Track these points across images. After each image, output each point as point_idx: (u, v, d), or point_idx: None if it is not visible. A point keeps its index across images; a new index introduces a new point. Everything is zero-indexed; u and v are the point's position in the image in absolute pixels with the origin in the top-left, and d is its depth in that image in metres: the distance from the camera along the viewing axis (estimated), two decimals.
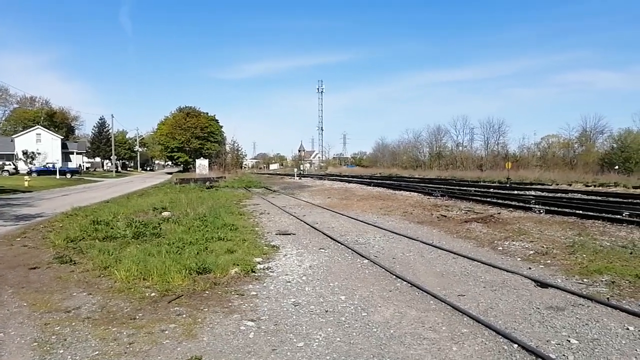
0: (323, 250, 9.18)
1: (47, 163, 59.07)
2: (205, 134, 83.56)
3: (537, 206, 15.34)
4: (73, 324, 4.93)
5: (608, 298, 5.78)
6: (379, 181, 37.88)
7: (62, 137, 78.03)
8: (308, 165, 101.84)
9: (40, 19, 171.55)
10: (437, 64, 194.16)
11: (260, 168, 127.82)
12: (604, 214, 12.99)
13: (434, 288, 6.31)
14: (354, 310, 5.46)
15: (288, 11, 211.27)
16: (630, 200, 18.33)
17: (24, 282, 6.67)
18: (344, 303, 5.74)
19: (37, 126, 74.76)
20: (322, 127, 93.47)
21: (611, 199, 19.04)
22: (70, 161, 74.80)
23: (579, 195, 20.90)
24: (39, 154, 61.88)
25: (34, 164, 58.28)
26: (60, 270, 7.40)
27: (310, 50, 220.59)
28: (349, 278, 7.00)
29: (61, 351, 4.22)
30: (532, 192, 23.11)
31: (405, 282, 6.66)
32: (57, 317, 5.17)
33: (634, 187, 27.35)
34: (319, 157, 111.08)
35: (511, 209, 15.70)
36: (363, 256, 8.48)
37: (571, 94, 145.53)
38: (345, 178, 47.60)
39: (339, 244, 9.79)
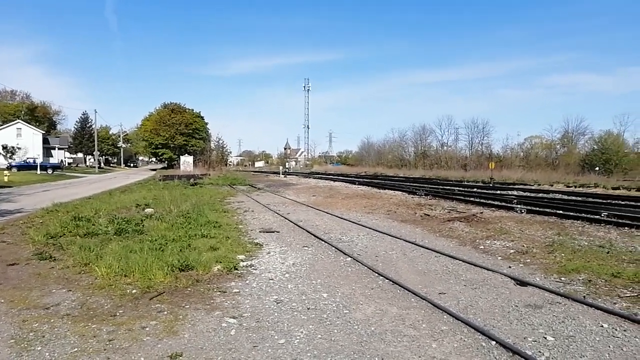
0: (306, 248, 9.20)
1: (27, 158, 57.99)
2: (190, 131, 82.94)
3: (519, 206, 15.56)
4: (52, 320, 4.87)
5: (584, 296, 5.90)
6: (364, 180, 38.03)
7: (44, 132, 76.71)
8: (294, 163, 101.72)
9: (23, 11, 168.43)
10: (424, 64, 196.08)
11: (246, 165, 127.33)
12: (583, 214, 13.24)
13: (415, 286, 6.37)
14: (335, 307, 5.49)
15: (275, 9, 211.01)
16: (608, 201, 18.74)
17: (2, 279, 6.57)
18: (326, 300, 5.77)
19: (18, 120, 73.35)
20: (308, 125, 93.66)
21: (590, 199, 19.42)
22: (52, 156, 73.69)
23: (559, 196, 21.25)
24: (19, 148, 60.89)
25: (14, 159, 57.23)
26: (40, 266, 7.30)
27: (298, 48, 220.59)
28: (332, 276, 7.03)
29: (39, 348, 4.17)
30: (515, 192, 23.45)
31: (387, 280, 6.72)
32: (36, 313, 5.10)
33: (613, 188, 27.92)
34: (304, 155, 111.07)
35: (494, 208, 15.91)
36: (346, 254, 8.52)
37: (556, 96, 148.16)
38: (331, 176, 47.72)
39: (323, 242, 9.82)
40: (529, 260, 8.12)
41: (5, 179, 31.78)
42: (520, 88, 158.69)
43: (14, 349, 4.15)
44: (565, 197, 20.74)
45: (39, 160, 55.67)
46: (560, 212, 14.01)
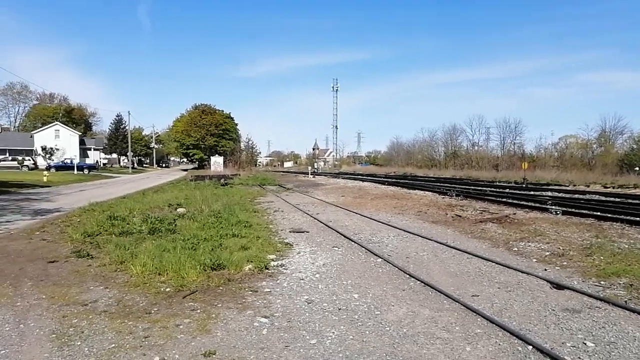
0: (336, 249, 9.19)
1: (65, 159, 60.10)
2: (221, 132, 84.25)
3: (553, 207, 15.14)
4: (90, 317, 5.01)
5: (626, 301, 5.69)
6: (393, 180, 37.75)
7: (80, 134, 79.20)
8: (322, 163, 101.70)
9: (58, 15, 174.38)
10: (453, 63, 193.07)
11: (275, 166, 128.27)
12: (622, 216, 12.78)
13: (447, 288, 6.28)
14: (367, 308, 5.46)
15: (303, 9, 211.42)
16: None
17: (43, 275, 6.80)
18: (357, 301, 5.74)
19: (56, 122, 76.01)
20: (336, 126, 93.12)
21: (630, 200, 18.69)
22: (88, 157, 75.98)
23: (597, 197, 20.57)
24: (57, 149, 63.08)
25: (53, 160, 59.37)
26: (78, 264, 7.53)
27: (326, 48, 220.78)
28: (362, 276, 7.00)
29: (78, 343, 4.30)
30: (549, 193, 22.81)
31: (418, 282, 6.64)
32: (75, 310, 5.26)
33: None
34: (333, 156, 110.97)
35: (527, 209, 15.53)
36: (376, 255, 8.46)
37: (590, 94, 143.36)
38: (359, 177, 47.54)
39: (353, 243, 9.79)
40: (565, 263, 7.89)
41: (45, 179, 32.94)
42: (553, 86, 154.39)
43: (55, 344, 4.29)
44: (603, 198, 20.07)
45: (76, 161, 57.58)
46: (598, 213, 13.54)
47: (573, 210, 14.65)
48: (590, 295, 5.91)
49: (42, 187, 28.54)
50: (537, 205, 16.21)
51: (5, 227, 11.39)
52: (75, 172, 49.83)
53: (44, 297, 5.75)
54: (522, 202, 17.52)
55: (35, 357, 4.00)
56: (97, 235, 9.86)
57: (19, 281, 6.48)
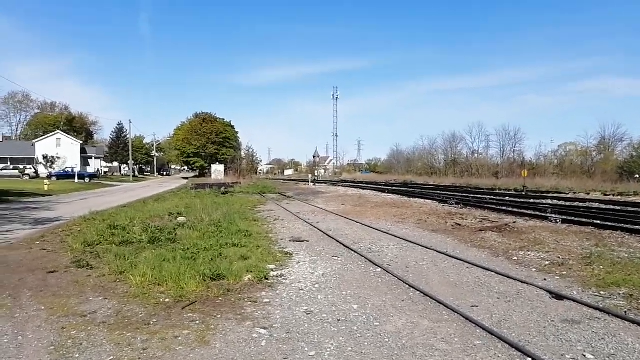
0: (336, 258, 9.19)
1: (66, 167, 60.25)
2: (221, 140, 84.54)
3: (553, 215, 15.13)
4: (89, 328, 5.01)
5: (626, 312, 5.67)
6: (393, 188, 37.76)
7: (81, 142, 79.54)
8: (322, 171, 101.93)
9: (58, 24, 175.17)
10: (453, 71, 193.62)
11: (275, 174, 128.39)
12: (622, 224, 12.77)
13: (447, 298, 6.27)
14: (366, 319, 5.45)
15: (304, 18, 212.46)
16: None
17: (42, 286, 6.80)
18: (357, 312, 5.74)
19: (57, 131, 76.37)
20: (336, 134, 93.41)
21: (630, 208, 18.66)
22: (89, 165, 76.21)
23: (597, 205, 20.55)
24: (58, 158, 63.21)
25: (54, 168, 59.45)
26: (78, 274, 7.53)
27: (326, 56, 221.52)
28: (362, 287, 6.99)
29: (77, 355, 4.30)
30: (549, 201, 22.80)
31: (418, 292, 6.63)
32: (74, 321, 5.26)
33: None
34: (333, 163, 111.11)
35: (527, 217, 15.52)
36: (376, 264, 8.46)
37: (589, 100, 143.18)
38: (360, 184, 47.57)
39: (353, 252, 9.79)
40: (565, 272, 7.88)
41: (46, 187, 32.99)
42: (552, 94, 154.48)
43: (54, 356, 4.28)
44: (603, 206, 20.04)
45: (77, 169, 57.74)
46: (598, 222, 13.52)
47: (573, 218, 14.64)
48: (590, 306, 5.90)
49: (43, 195, 28.58)
50: (537, 213, 16.20)
51: (5, 237, 11.40)
52: (77, 180, 49.88)
53: (43, 308, 5.75)
54: (521, 210, 17.51)
55: None
56: (97, 244, 9.87)
57: (18, 292, 6.48)
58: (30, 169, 57.36)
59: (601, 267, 8.08)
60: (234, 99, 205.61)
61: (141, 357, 4.26)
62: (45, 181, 36.37)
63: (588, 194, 30.78)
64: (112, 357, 4.26)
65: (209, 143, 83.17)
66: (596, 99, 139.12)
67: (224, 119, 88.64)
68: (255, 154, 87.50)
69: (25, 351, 4.41)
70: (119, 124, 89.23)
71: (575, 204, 21.52)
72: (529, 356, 4.29)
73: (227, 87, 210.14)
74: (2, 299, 6.15)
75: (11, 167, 58.40)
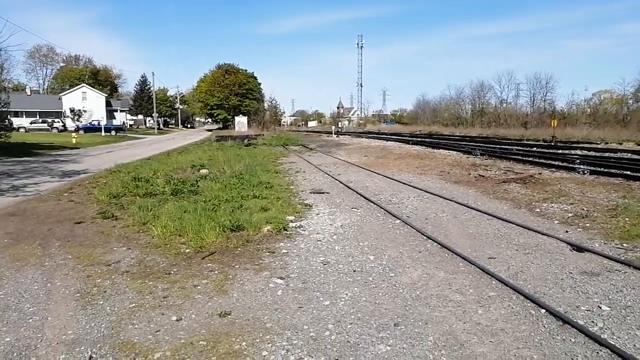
0: (355, 210, 9.21)
1: (92, 120, 61.16)
2: (244, 91, 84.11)
3: (581, 166, 14.72)
4: (113, 277, 5.21)
5: None
6: (418, 139, 37.25)
7: (106, 95, 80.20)
8: (346, 122, 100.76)
9: None
10: (481, 16, 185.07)
11: (299, 125, 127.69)
12: None
13: (464, 250, 6.25)
14: (381, 270, 5.50)
15: None
16: None
17: (70, 236, 7.06)
18: (373, 263, 5.79)
19: (83, 84, 77.12)
20: (361, 84, 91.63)
21: None
22: (115, 118, 77.14)
23: (628, 155, 19.87)
24: (85, 111, 64.09)
25: (81, 122, 60.52)
26: (103, 225, 7.78)
27: (349, 3, 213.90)
28: (380, 238, 7.02)
29: (101, 302, 4.49)
30: (578, 152, 22.16)
31: (435, 243, 6.63)
32: (99, 270, 5.47)
33: None
34: (357, 114, 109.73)
35: (553, 169, 15.17)
36: (395, 216, 8.45)
37: (628, 45, 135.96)
38: (384, 136, 47.07)
39: (372, 204, 9.79)
40: (588, 224, 7.73)
41: (74, 140, 33.74)
42: (588, 38, 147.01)
43: (80, 302, 4.48)
44: (635, 156, 19.34)
45: (103, 123, 58.63)
46: (628, 172, 13.08)
47: (602, 169, 14.23)
48: (610, 258, 5.80)
49: (71, 148, 29.29)
50: (565, 164, 15.80)
51: (36, 189, 11.80)
52: (103, 133, 50.82)
53: (70, 257, 5.98)
54: (548, 162, 17.10)
55: (61, 315, 4.20)
56: (122, 196, 10.12)
57: (47, 241, 6.74)
58: (59, 122, 58.45)
59: (627, 219, 7.89)
60: (257, 49, 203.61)
61: (161, 305, 4.42)
62: (73, 134, 37.13)
63: (620, 144, 29.76)
64: (134, 304, 4.43)
65: (232, 95, 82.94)
66: (636, 44, 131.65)
67: (246, 70, 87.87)
68: (278, 106, 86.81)
69: (54, 297, 4.63)
70: (142, 77, 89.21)
71: (606, 154, 20.87)
72: (542, 307, 4.28)
73: (250, 38, 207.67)
74: (32, 248, 6.42)
75: (40, 120, 59.53)
